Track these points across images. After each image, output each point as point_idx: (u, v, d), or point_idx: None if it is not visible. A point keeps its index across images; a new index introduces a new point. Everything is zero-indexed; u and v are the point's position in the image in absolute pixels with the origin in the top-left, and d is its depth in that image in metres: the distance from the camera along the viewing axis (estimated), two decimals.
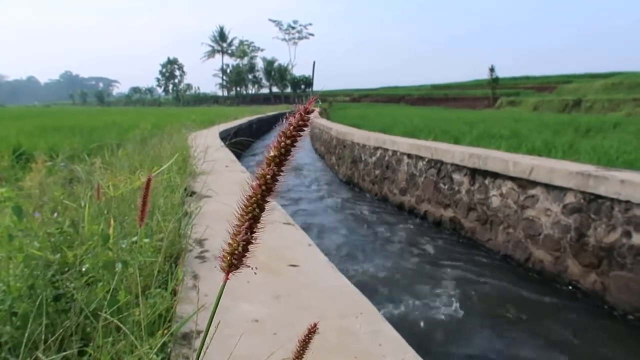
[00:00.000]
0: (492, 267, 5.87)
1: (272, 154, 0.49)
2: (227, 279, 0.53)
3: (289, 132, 0.48)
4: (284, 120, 0.49)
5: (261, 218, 0.51)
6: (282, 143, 0.48)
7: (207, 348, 1.42)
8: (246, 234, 0.51)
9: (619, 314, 4.44)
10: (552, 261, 5.29)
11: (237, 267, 0.52)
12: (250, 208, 0.51)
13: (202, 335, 1.69)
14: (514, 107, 30.61)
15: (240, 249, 0.51)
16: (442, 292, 5.08)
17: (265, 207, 0.51)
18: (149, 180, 1.09)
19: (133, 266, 1.84)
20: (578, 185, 4.90)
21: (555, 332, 4.26)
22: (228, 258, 0.52)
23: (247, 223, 0.51)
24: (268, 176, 0.49)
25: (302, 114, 0.48)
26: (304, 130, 0.48)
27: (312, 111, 0.48)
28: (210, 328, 0.55)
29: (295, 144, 0.49)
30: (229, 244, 0.52)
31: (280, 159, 0.49)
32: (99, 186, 2.45)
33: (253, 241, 0.52)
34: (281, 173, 0.49)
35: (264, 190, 0.50)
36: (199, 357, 0.60)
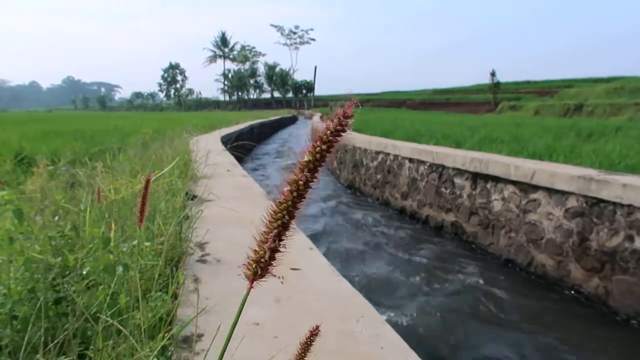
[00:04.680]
0: (494, 271, 5.85)
1: (306, 158, 0.46)
2: (251, 287, 0.51)
3: (325, 137, 0.45)
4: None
5: (290, 226, 0.49)
6: (318, 148, 0.46)
7: (207, 352, 1.42)
8: (274, 241, 0.49)
9: (622, 319, 4.42)
10: (555, 265, 5.27)
11: (262, 276, 0.50)
12: (279, 215, 0.48)
13: (203, 337, 1.68)
14: (516, 111, 30.67)
15: (267, 257, 0.49)
16: (443, 296, 5.06)
17: (295, 215, 0.48)
18: (147, 181, 1.09)
19: (134, 269, 1.84)
20: (580, 189, 4.88)
21: (558, 337, 4.23)
22: (254, 266, 0.50)
23: (275, 231, 0.48)
24: (300, 182, 0.47)
25: (341, 118, 0.45)
26: (341, 136, 0.45)
27: (352, 116, 0.45)
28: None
29: (331, 150, 0.46)
30: (255, 251, 0.50)
31: (315, 165, 0.46)
32: (100, 190, 2.45)
33: (280, 249, 0.50)
34: (314, 179, 0.47)
35: (295, 197, 0.47)
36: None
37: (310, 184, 0.47)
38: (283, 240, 0.49)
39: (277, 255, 0.50)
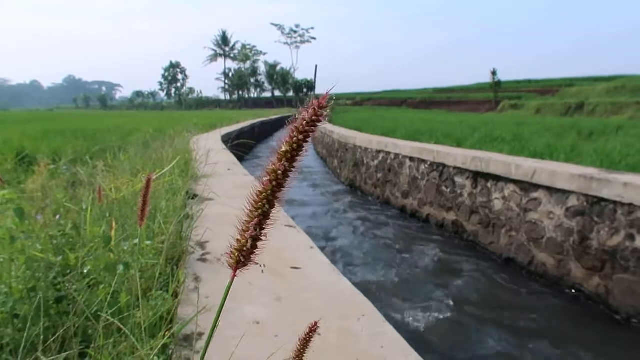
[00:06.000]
0: (494, 270, 5.85)
1: (283, 149, 0.48)
2: (234, 276, 0.52)
3: (301, 127, 0.47)
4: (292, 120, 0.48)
5: (271, 214, 0.50)
6: (295, 138, 0.47)
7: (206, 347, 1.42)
8: (255, 230, 0.50)
9: (622, 318, 4.42)
10: (555, 264, 5.27)
11: (244, 265, 0.51)
12: (260, 204, 0.50)
13: (204, 336, 1.69)
14: (517, 110, 30.61)
15: (248, 245, 0.51)
16: (444, 295, 5.06)
17: (275, 204, 0.50)
18: (149, 180, 1.09)
19: (134, 268, 1.84)
20: (581, 188, 4.88)
21: (558, 336, 4.23)
22: (236, 255, 0.51)
23: (256, 219, 0.50)
24: (279, 172, 0.48)
25: (316, 108, 0.47)
26: (317, 126, 0.47)
27: (327, 106, 0.47)
28: (213, 328, 0.55)
29: (307, 140, 0.47)
30: (237, 240, 0.51)
31: (292, 154, 0.48)
32: (101, 189, 2.46)
33: (262, 238, 0.51)
34: (292, 169, 0.48)
35: (275, 186, 0.49)
36: (203, 357, 0.59)
37: (289, 173, 0.49)
38: (264, 228, 0.50)
39: (258, 243, 0.51)
